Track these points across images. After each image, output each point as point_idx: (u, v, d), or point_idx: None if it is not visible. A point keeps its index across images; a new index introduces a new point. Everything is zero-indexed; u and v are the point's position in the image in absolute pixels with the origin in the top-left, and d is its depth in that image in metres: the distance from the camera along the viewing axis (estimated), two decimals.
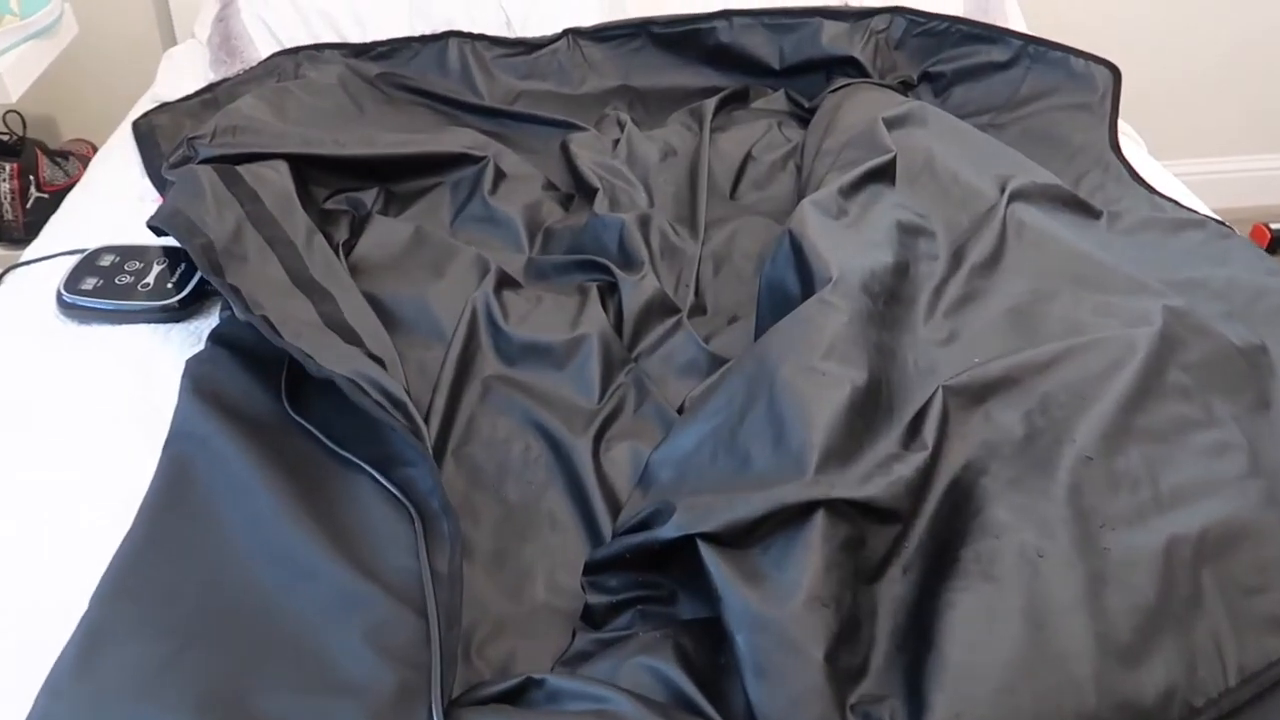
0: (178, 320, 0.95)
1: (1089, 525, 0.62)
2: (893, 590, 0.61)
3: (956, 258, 0.87)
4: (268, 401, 0.83)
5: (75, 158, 1.62)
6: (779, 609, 0.55)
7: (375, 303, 0.94)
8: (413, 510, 0.69)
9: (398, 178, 1.14)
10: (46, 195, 1.55)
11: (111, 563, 0.67)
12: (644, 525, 0.64)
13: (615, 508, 0.75)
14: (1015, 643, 0.55)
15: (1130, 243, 1.00)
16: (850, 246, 0.77)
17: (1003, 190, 0.95)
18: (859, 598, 0.59)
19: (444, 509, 0.68)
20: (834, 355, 0.67)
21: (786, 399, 0.64)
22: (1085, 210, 1.01)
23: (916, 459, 0.64)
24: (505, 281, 0.95)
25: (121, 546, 0.69)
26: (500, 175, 1.14)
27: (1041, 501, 0.63)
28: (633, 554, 0.63)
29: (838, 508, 0.59)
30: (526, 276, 1.01)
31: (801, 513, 0.58)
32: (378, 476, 0.73)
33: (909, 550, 0.63)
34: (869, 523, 0.61)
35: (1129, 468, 0.67)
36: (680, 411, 0.81)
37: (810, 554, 0.57)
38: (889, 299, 0.77)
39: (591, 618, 0.66)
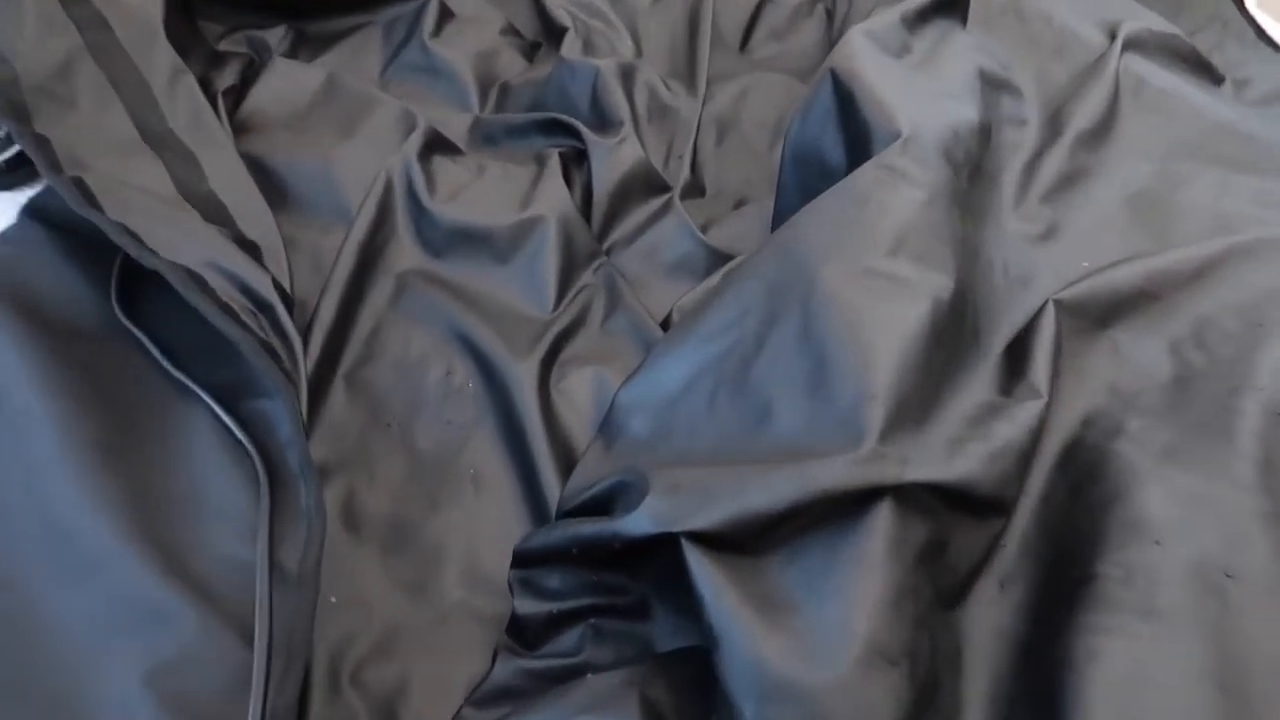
0: (4, 188, 0.72)
1: None
2: (986, 618, 0.39)
3: (1054, 123, 0.63)
4: (93, 300, 0.59)
5: None
6: (817, 670, 0.33)
7: (261, 169, 0.70)
8: (260, 467, 0.47)
9: (313, 13, 0.88)
10: None
11: None
12: (601, 505, 0.42)
13: (567, 462, 0.52)
14: None
15: (1262, 116, 0.76)
16: (921, 95, 0.53)
17: (1113, 37, 0.70)
18: (937, 635, 0.37)
19: (303, 469, 0.45)
20: (905, 251, 0.43)
21: (833, 318, 0.41)
22: (1207, 73, 0.76)
23: (1027, 414, 0.41)
24: (437, 144, 0.71)
25: None
26: (446, 14, 0.89)
27: (1221, 485, 0.41)
28: (583, 549, 0.41)
29: (913, 496, 0.37)
30: (470, 141, 0.76)
31: (856, 504, 0.36)
32: (218, 411, 0.50)
33: (1008, 552, 0.41)
34: (957, 517, 0.38)
35: None
36: (666, 327, 0.59)
37: (869, 574, 0.35)
38: (972, 174, 0.53)
39: (521, 633, 0.45)
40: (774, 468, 0.37)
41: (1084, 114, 0.63)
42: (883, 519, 0.35)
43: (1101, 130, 0.63)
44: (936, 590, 0.37)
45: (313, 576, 0.42)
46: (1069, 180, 0.60)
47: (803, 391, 0.40)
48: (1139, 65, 0.68)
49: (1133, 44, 0.70)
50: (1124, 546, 0.39)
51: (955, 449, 0.38)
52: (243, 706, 0.37)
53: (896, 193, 0.45)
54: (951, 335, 0.43)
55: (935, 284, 0.42)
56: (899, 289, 0.42)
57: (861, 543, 0.35)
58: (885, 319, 0.40)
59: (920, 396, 0.39)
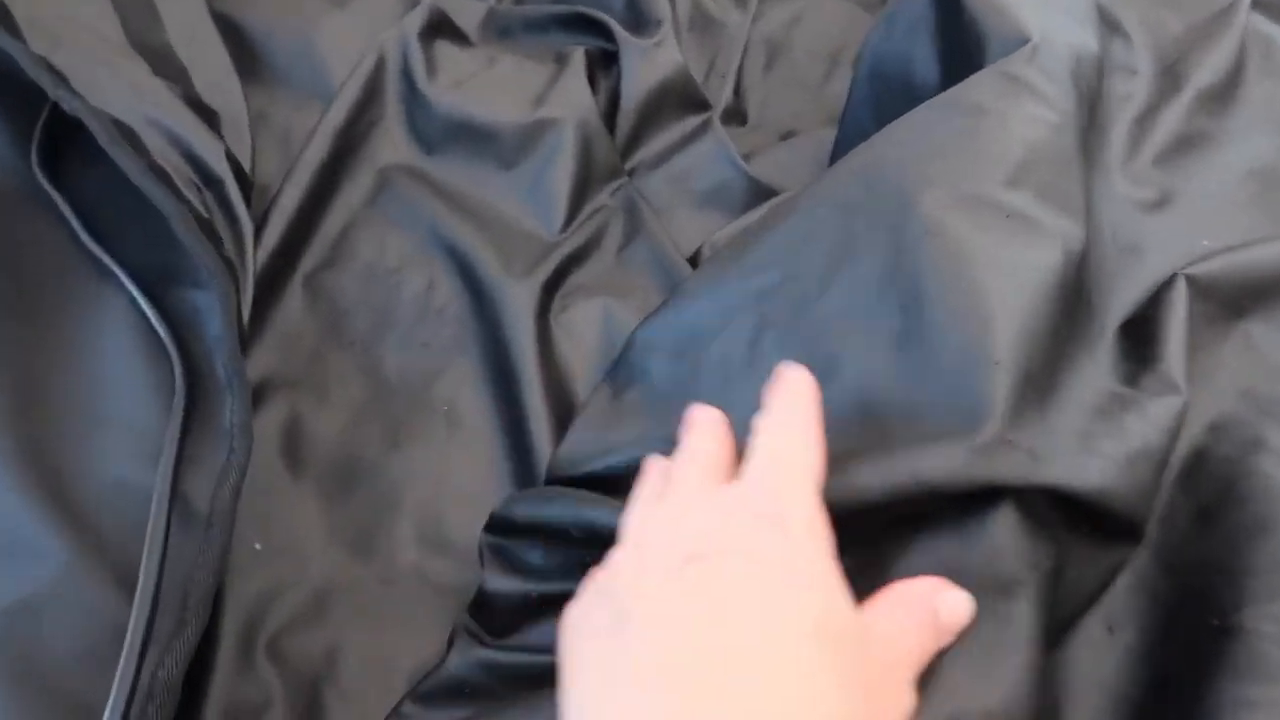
0: None
1: None
2: (1090, 667, 0.31)
3: (1170, 77, 0.53)
4: (11, 156, 0.49)
5: None
6: None
7: (235, 32, 0.59)
8: (178, 370, 0.37)
9: None
10: None
11: None
12: (605, 477, 0.33)
13: (561, 407, 0.43)
14: None
15: None
16: (1045, 6, 0.43)
17: None
18: (1040, 683, 0.28)
19: (231, 378, 0.36)
20: (1029, 182, 0.34)
21: (936, 256, 0.31)
22: None
23: (1163, 411, 0.32)
24: (443, 28, 0.61)
25: None
26: None
27: None
28: (583, 531, 0.32)
29: (1032, 503, 0.27)
30: (482, 35, 0.66)
31: (964, 506, 0.27)
32: (138, 297, 0.40)
33: (1116, 587, 0.32)
34: (1075, 536, 0.29)
35: None
36: (694, 265, 0.49)
37: None
38: (1089, 114, 0.44)
39: (487, 614, 0.36)
40: (846, 446, 0.28)
41: (1207, 70, 0.54)
42: (1004, 529, 0.26)
43: (1225, 92, 0.54)
44: (1045, 626, 0.28)
45: (227, 514, 0.32)
46: (1186, 143, 0.50)
47: (885, 345, 0.31)
48: (1267, 26, 0.59)
49: (1260, 2, 0.60)
50: (1278, 595, 0.30)
51: (1087, 445, 0.29)
52: (110, 675, 0.28)
53: (1021, 107, 0.36)
54: (1074, 300, 0.34)
55: (1066, 231, 0.33)
56: (1023, 229, 0.32)
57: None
58: (1007, 264, 0.31)
59: (1043, 372, 0.30)
